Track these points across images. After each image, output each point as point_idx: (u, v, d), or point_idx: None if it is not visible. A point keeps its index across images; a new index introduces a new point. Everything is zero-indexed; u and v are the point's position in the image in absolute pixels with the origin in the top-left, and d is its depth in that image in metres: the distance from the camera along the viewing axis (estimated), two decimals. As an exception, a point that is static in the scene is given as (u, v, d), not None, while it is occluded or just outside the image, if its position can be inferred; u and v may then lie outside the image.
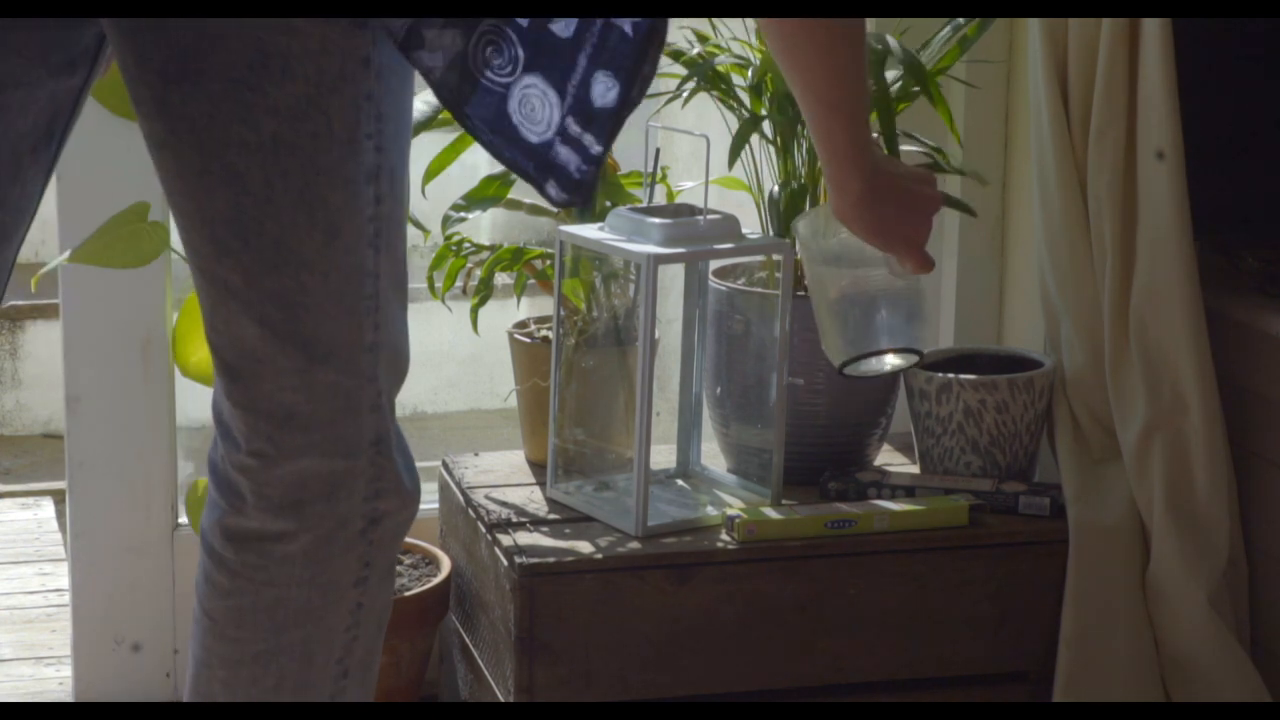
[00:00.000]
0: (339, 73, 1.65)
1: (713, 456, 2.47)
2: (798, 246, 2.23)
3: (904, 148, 2.36)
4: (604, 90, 1.65)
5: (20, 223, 1.72)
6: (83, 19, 1.67)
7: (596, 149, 1.66)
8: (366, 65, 1.67)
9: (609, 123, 1.65)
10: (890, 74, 2.31)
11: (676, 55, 2.40)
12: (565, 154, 1.67)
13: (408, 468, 1.79)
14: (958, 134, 2.38)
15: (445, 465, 2.52)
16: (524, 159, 1.68)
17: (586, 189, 1.67)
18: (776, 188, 2.35)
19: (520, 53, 1.65)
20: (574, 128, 1.66)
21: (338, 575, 1.75)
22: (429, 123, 2.33)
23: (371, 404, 1.74)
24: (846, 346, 2.13)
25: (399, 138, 1.74)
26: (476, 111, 1.67)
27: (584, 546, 2.23)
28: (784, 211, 2.35)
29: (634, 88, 1.65)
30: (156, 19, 1.63)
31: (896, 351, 2.16)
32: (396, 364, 1.78)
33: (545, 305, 2.57)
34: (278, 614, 1.74)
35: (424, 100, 2.34)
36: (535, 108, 1.66)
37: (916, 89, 2.33)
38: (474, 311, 2.44)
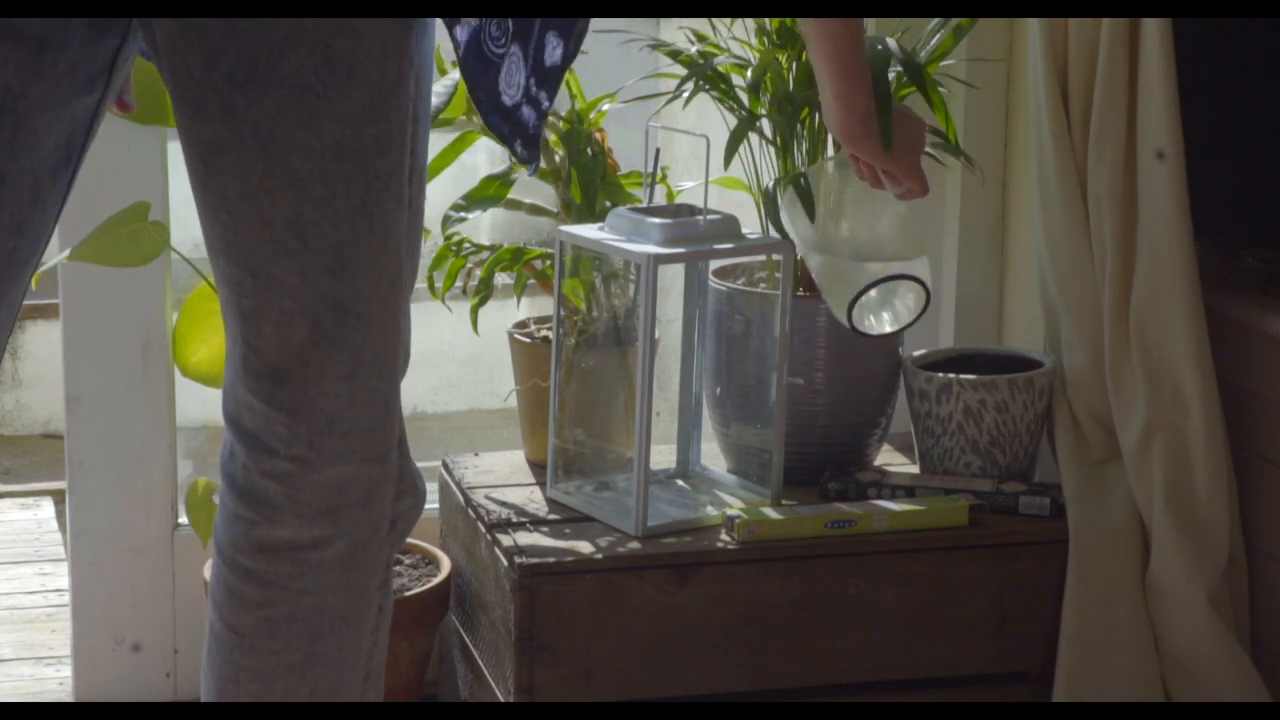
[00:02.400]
0: (396, 75, 1.67)
1: (713, 456, 2.47)
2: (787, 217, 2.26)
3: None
4: (552, 49, 1.71)
5: (37, 248, 1.71)
6: (108, 32, 1.67)
7: (546, 104, 1.73)
8: (411, 65, 1.69)
9: (557, 79, 1.72)
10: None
11: (676, 55, 2.40)
12: (527, 113, 1.74)
13: (415, 466, 1.80)
14: (954, 134, 2.37)
15: (445, 465, 2.52)
16: (502, 122, 1.75)
17: (538, 144, 1.76)
18: (772, 183, 2.35)
19: (510, 24, 1.71)
20: (534, 88, 1.73)
21: (368, 579, 1.76)
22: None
23: (398, 406, 1.75)
24: (848, 295, 2.22)
25: (425, 139, 1.77)
26: (482, 83, 1.74)
27: (584, 546, 2.23)
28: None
29: (573, 43, 1.72)
30: (225, 24, 1.63)
31: (895, 279, 2.22)
32: (407, 362, 1.80)
33: (545, 305, 2.57)
34: (313, 623, 1.74)
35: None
36: (513, 74, 1.73)
37: (912, 89, 2.33)
38: (474, 311, 2.44)
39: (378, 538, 1.75)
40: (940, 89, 2.35)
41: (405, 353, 1.79)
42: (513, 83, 1.73)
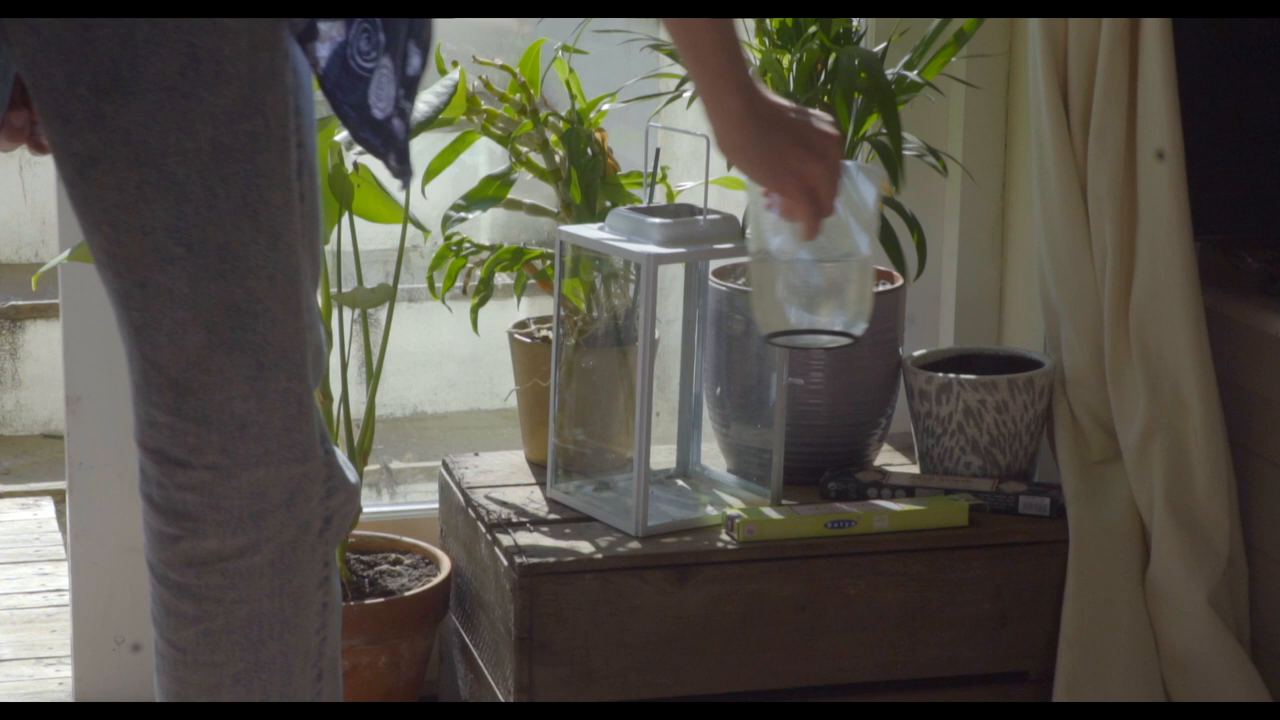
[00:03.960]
0: (270, 69, 1.64)
1: (713, 456, 2.47)
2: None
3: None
4: (414, 61, 1.71)
5: None
6: None
7: (411, 116, 1.72)
8: (287, 59, 1.66)
9: (416, 90, 1.71)
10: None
11: (676, 55, 2.39)
12: (397, 125, 1.72)
13: (344, 461, 1.78)
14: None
15: (445, 465, 2.52)
16: (374, 136, 1.72)
17: (408, 154, 1.73)
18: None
19: (381, 38, 1.69)
20: (402, 100, 1.72)
21: (305, 580, 1.73)
22: (429, 123, 2.33)
23: (314, 404, 1.73)
24: (770, 320, 1.96)
25: (312, 132, 1.73)
26: (348, 98, 1.70)
27: (584, 546, 2.23)
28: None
29: (429, 53, 1.71)
30: (83, 31, 1.60)
31: (822, 333, 1.97)
32: (320, 362, 1.77)
33: (545, 305, 2.58)
34: (253, 630, 1.72)
35: (424, 100, 2.34)
36: (384, 87, 1.71)
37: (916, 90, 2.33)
38: (474, 311, 2.44)
39: (308, 537, 1.73)
40: (936, 93, 2.35)
41: (318, 350, 1.76)
42: (384, 96, 1.70)
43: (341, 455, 1.77)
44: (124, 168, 1.63)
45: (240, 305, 1.67)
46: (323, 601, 1.76)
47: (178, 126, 1.62)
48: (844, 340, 1.95)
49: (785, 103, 1.82)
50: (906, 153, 2.42)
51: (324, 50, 1.68)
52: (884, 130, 2.34)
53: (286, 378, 1.69)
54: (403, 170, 1.74)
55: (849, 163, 1.90)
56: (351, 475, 1.77)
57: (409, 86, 1.71)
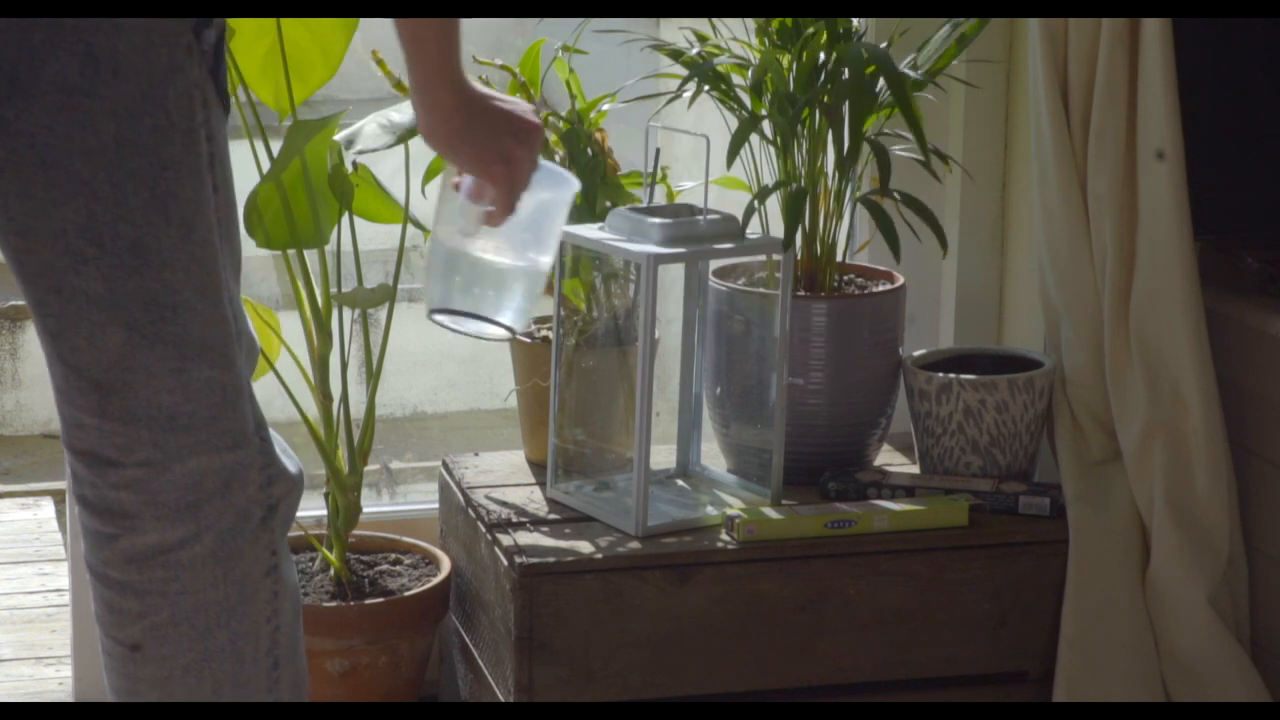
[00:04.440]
0: (168, 63, 1.65)
1: (713, 456, 2.47)
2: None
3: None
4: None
5: None
6: None
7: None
8: (189, 53, 1.67)
9: None
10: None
11: (676, 55, 2.40)
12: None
13: (284, 451, 1.78)
14: (925, 145, 2.31)
15: (445, 465, 2.52)
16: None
17: None
18: (771, 184, 2.35)
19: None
20: None
21: (249, 568, 1.74)
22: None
23: (248, 393, 1.74)
24: (436, 296, 1.94)
25: (223, 123, 1.74)
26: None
27: (584, 546, 2.23)
28: (783, 213, 2.35)
29: None
30: None
31: (482, 319, 1.96)
32: (253, 350, 1.78)
33: (545, 305, 2.57)
34: (199, 620, 1.72)
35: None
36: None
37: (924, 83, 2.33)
38: (474, 311, 2.43)
39: (249, 525, 1.73)
40: (936, 93, 2.35)
41: (248, 339, 1.76)
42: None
43: (281, 444, 1.78)
44: (29, 173, 1.64)
45: (158, 298, 1.67)
46: (272, 590, 1.76)
47: (81, 126, 1.63)
48: (501, 332, 1.94)
49: (491, 92, 1.86)
50: (905, 153, 2.42)
51: (212, 35, 1.69)
52: (884, 130, 2.34)
53: (209, 367, 1.70)
54: None
55: (546, 161, 1.92)
56: (292, 465, 1.77)
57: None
